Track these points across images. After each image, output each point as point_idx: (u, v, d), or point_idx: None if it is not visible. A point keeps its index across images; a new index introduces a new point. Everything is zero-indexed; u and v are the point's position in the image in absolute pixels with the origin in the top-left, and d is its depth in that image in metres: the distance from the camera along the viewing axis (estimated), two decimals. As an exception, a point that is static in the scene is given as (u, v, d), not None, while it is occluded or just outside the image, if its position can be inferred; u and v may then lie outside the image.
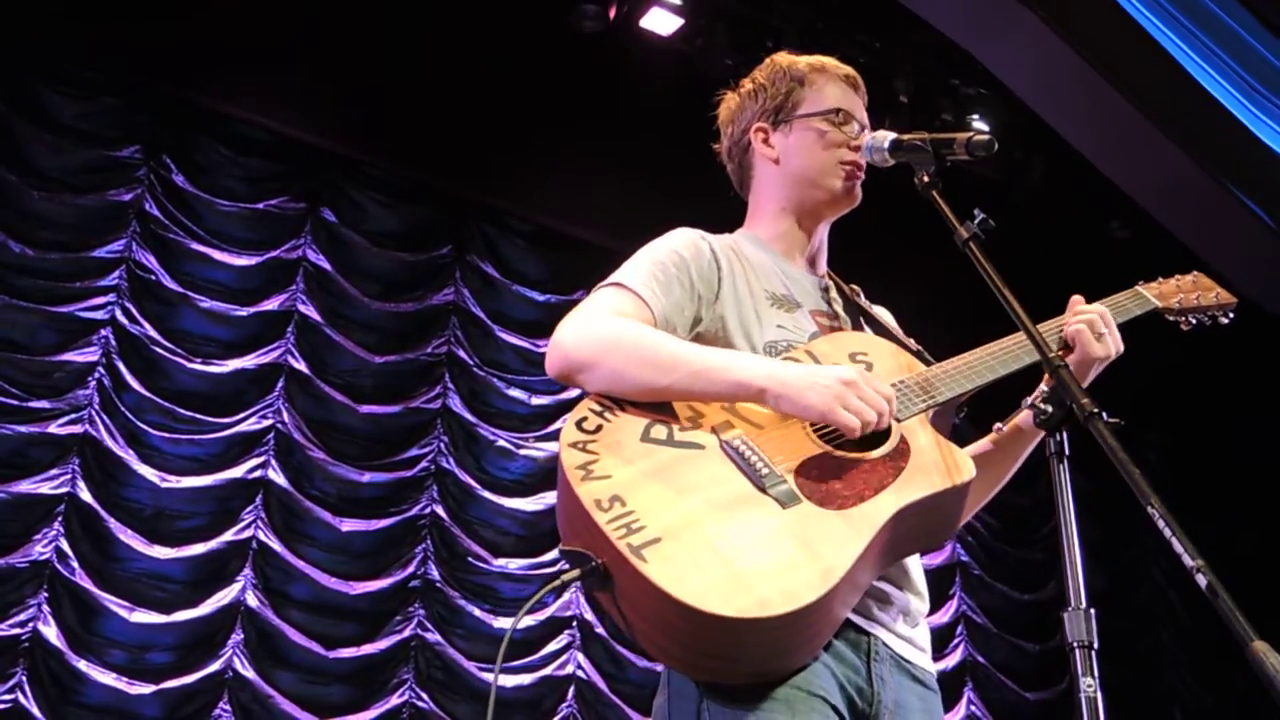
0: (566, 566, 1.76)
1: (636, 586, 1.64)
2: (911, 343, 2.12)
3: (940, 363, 2.02)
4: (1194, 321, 2.31)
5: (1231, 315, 2.34)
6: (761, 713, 1.68)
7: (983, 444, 2.15)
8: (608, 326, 1.89)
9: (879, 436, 1.85)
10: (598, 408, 1.84)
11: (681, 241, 2.07)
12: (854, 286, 2.24)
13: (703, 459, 1.79)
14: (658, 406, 1.85)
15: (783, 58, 2.28)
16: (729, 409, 1.87)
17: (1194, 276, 2.35)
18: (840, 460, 1.81)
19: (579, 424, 1.81)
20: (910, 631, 1.91)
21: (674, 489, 1.73)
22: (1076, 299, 2.13)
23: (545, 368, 1.93)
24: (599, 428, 1.81)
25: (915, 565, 1.98)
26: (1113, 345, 2.06)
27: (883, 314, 2.27)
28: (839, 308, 2.16)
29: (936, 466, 1.82)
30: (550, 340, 1.91)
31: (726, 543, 1.67)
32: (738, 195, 2.31)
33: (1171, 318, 2.28)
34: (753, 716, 1.68)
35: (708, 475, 1.76)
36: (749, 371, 1.85)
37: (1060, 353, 1.99)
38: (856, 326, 2.15)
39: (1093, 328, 2.05)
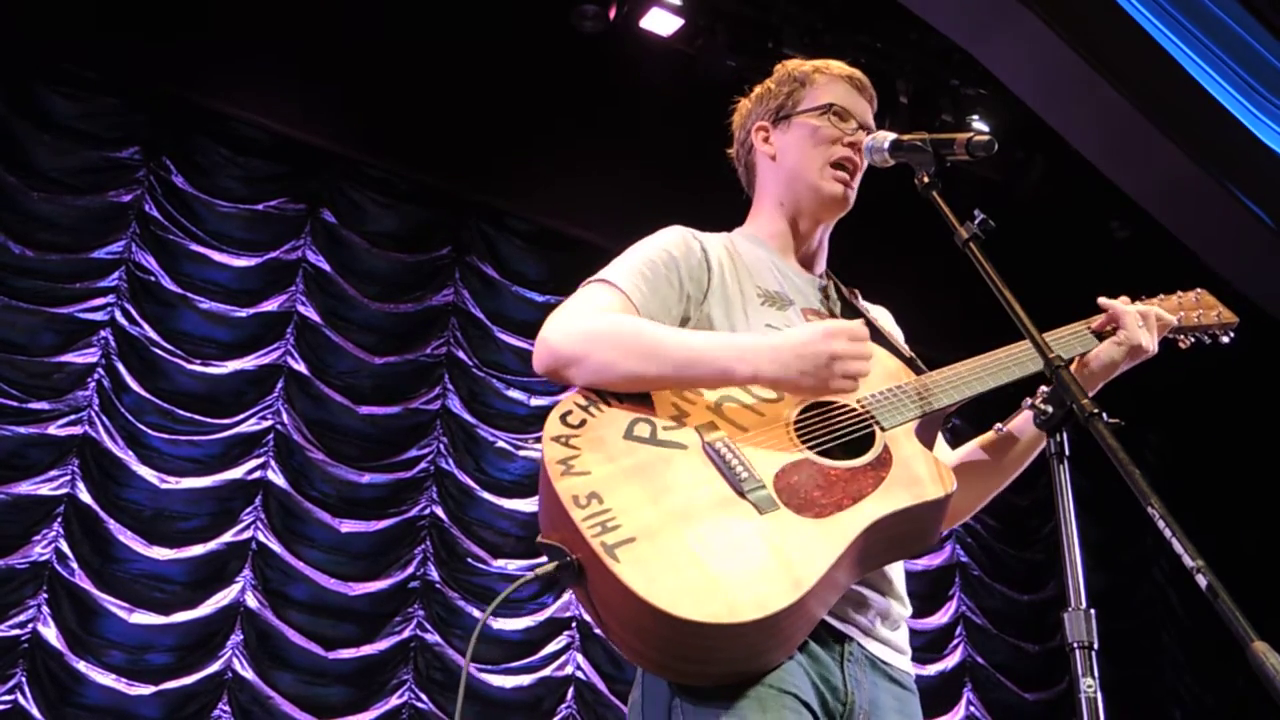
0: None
1: (609, 586, 1.64)
2: (905, 349, 2.11)
3: (931, 372, 2.00)
4: (1193, 340, 2.29)
5: (1233, 335, 2.31)
6: (733, 710, 1.68)
7: (977, 446, 2.13)
8: (594, 320, 1.88)
9: (862, 444, 1.85)
10: (583, 401, 1.84)
11: (672, 240, 2.06)
12: (854, 289, 2.23)
13: (684, 460, 1.78)
14: (643, 402, 1.85)
15: (792, 62, 2.30)
16: (714, 409, 1.87)
17: (1197, 294, 2.32)
18: (821, 467, 1.80)
19: (563, 418, 1.81)
20: (889, 634, 1.92)
21: (653, 489, 1.73)
22: (1124, 300, 2.15)
23: (533, 364, 1.91)
24: (583, 422, 1.81)
25: (896, 569, 1.97)
26: (1154, 342, 2.10)
27: (882, 316, 2.26)
28: (836, 308, 2.15)
29: (918, 479, 1.81)
30: (537, 337, 1.90)
31: (701, 546, 1.67)
32: (748, 197, 2.30)
33: (1170, 335, 2.24)
34: (724, 714, 1.67)
35: (688, 477, 1.76)
36: (734, 360, 1.83)
37: (1089, 341, 2.03)
38: None
39: (1145, 319, 2.09)
